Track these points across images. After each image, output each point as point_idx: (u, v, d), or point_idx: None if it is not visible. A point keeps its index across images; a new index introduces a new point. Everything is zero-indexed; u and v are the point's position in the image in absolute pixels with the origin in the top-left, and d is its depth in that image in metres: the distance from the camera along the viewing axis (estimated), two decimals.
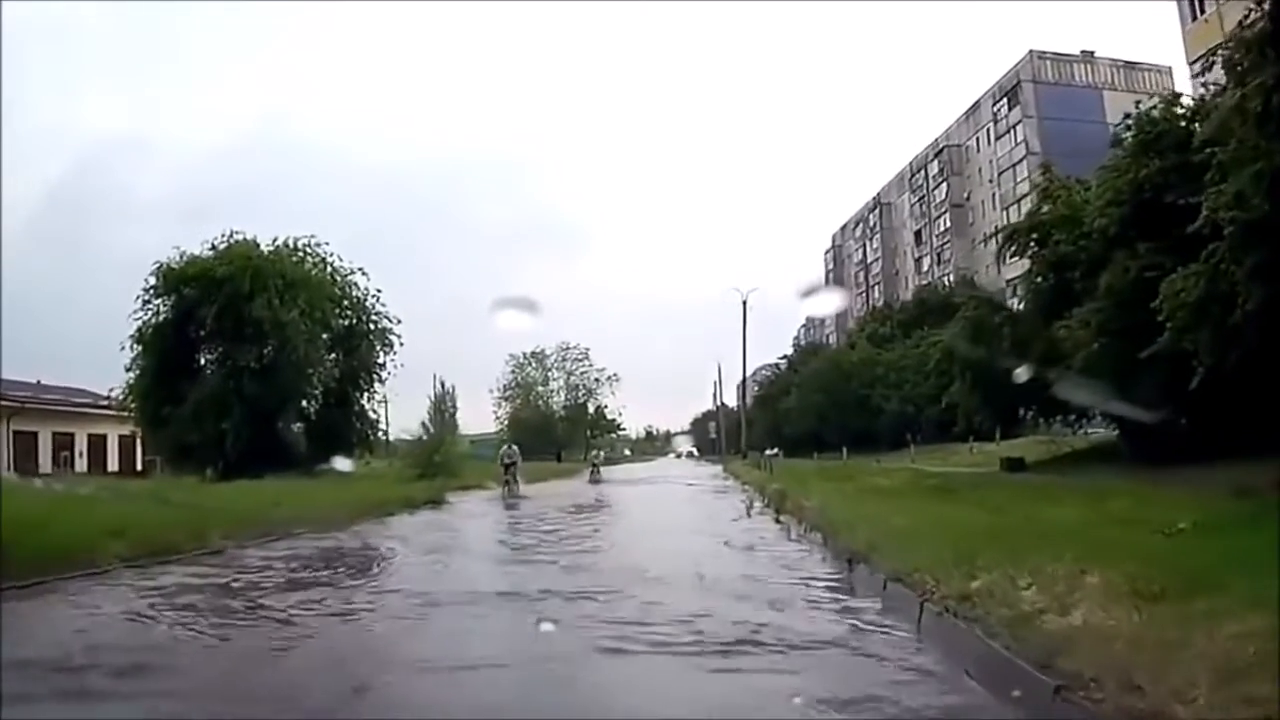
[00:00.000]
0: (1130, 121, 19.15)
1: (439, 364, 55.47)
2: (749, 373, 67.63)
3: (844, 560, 8.97)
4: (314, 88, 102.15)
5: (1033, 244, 22.04)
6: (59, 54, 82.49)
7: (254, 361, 31.29)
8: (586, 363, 65.60)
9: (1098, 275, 18.27)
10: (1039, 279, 22.81)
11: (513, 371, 61.56)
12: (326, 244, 34.13)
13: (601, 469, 43.62)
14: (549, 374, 64.94)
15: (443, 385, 57.96)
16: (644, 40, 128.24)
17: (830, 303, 67.82)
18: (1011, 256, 23.06)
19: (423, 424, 47.83)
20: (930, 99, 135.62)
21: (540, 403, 61.89)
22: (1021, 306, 24.13)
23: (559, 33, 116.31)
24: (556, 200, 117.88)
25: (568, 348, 64.98)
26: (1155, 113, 18.91)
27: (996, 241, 24.34)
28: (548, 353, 64.55)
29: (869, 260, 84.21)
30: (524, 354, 62.94)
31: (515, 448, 26.85)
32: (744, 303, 49.89)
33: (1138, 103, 20.35)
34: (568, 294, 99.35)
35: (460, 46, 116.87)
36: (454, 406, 59.55)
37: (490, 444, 63.77)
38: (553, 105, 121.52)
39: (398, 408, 53.17)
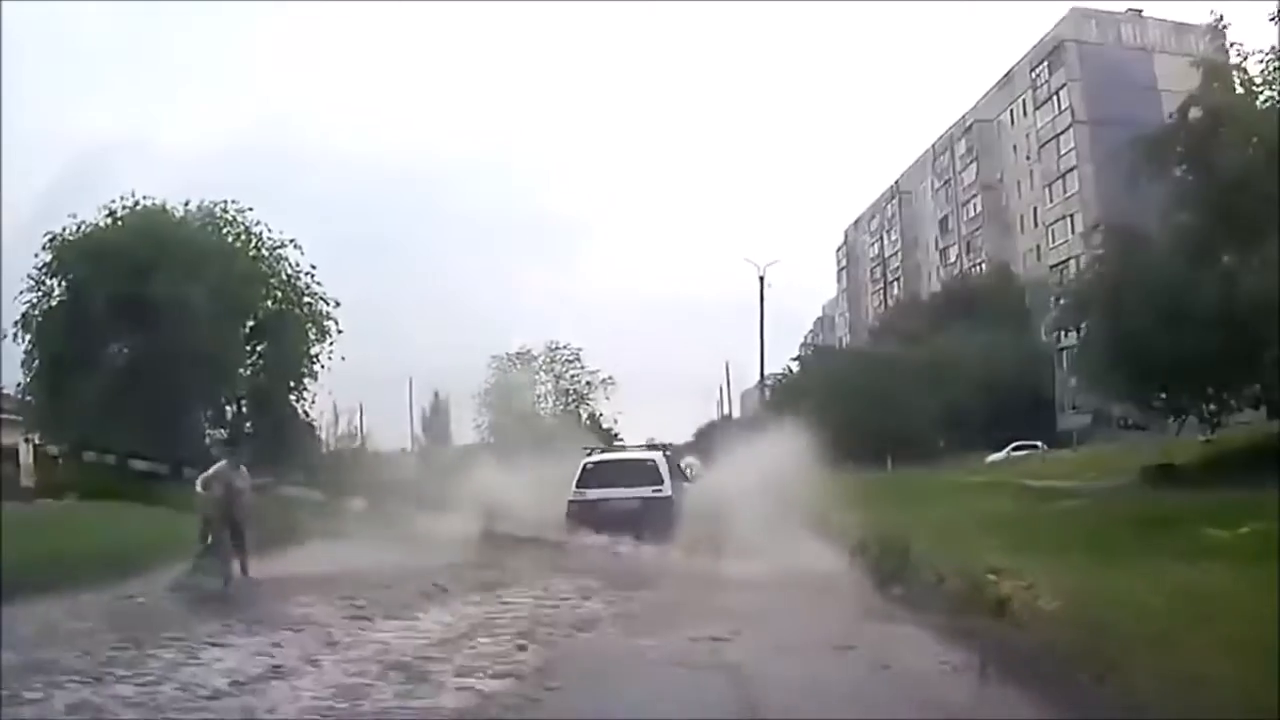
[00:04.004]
0: None
1: (436, 371, 48.87)
2: (759, 379, 60.93)
3: None
4: (312, 90, 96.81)
5: (1179, 155, 15.71)
6: (52, 55, 77.11)
7: (156, 352, 25.51)
8: (578, 365, 58.12)
9: None
10: (1179, 213, 16.54)
11: (495, 373, 54.11)
12: (250, 210, 28.13)
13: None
14: (536, 376, 57.63)
15: (436, 395, 51.73)
16: (643, 27, 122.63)
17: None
18: (1153, 178, 16.68)
19: (414, 437, 43.37)
20: (948, 81, 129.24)
21: (525, 409, 54.35)
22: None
23: (555, 18, 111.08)
24: (554, 199, 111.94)
25: (557, 348, 57.60)
26: None
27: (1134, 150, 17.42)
28: (535, 354, 57.34)
29: (886, 255, 77.84)
30: (508, 354, 55.59)
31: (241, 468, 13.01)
32: (761, 279, 43.10)
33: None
34: (565, 295, 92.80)
35: (454, 39, 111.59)
36: (447, 417, 53.61)
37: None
38: (550, 101, 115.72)
39: (384, 418, 47.90)
